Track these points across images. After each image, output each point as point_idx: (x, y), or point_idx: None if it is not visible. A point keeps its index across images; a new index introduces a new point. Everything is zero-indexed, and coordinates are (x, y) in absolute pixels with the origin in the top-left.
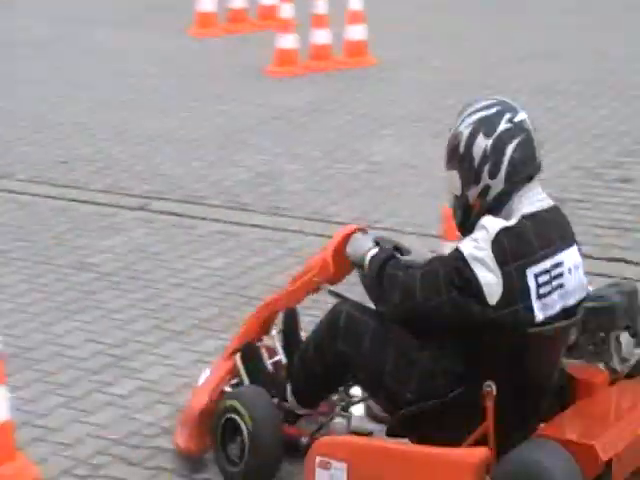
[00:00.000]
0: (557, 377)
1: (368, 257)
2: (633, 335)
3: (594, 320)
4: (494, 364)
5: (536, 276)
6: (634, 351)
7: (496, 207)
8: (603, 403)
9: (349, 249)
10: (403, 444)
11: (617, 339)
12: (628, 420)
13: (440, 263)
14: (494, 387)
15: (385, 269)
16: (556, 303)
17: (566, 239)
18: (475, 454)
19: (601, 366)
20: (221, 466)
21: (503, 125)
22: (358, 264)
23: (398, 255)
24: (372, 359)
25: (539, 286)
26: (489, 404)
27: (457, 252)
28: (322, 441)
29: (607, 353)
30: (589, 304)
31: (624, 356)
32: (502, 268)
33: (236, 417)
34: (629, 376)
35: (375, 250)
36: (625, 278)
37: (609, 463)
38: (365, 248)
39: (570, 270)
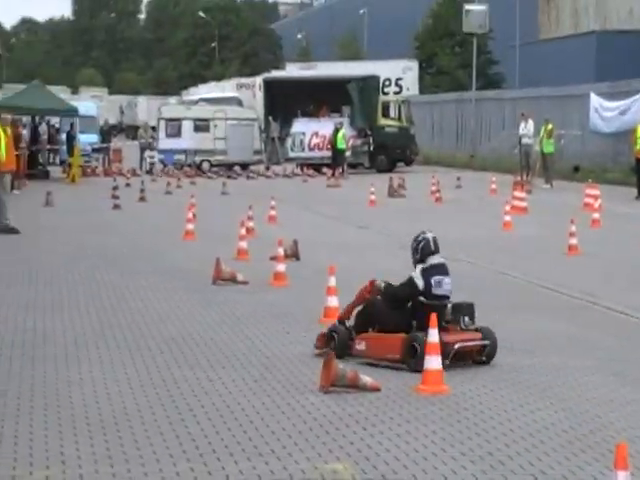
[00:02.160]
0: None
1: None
2: (470, 318)
3: (456, 310)
4: (414, 315)
5: (434, 279)
6: (469, 323)
7: (421, 264)
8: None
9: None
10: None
11: (463, 318)
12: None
13: (401, 287)
14: (415, 324)
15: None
16: (441, 289)
17: (443, 272)
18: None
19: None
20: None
21: (419, 238)
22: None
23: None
24: (380, 314)
25: (433, 282)
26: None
27: (410, 278)
28: None
29: (459, 322)
30: (455, 303)
31: (466, 324)
32: (423, 278)
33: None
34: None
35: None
36: None
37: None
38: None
39: (446, 282)
